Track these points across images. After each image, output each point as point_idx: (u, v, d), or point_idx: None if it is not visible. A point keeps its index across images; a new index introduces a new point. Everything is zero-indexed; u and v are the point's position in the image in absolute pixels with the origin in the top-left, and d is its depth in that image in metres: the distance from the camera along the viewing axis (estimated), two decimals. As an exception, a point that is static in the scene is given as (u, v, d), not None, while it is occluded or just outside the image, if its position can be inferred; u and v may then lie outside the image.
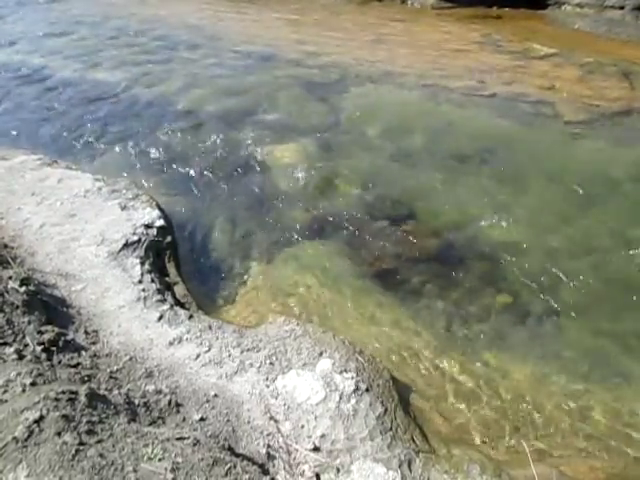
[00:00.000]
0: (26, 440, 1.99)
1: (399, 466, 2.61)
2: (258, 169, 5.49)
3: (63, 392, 2.26)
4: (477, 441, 2.91)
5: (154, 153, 5.83)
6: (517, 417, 3.05)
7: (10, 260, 3.55)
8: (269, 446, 2.62)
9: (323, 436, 2.72)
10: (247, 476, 2.25)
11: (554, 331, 3.61)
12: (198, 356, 3.14)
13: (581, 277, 3.99)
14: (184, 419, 2.63)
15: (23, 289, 3.17)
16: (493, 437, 2.94)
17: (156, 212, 4.48)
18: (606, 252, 4.21)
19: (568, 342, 3.53)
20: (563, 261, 4.14)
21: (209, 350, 3.19)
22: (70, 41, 9.62)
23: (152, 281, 3.76)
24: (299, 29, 10.24)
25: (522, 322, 3.69)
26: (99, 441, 2.09)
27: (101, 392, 2.50)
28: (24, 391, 2.28)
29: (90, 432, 2.12)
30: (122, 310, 3.45)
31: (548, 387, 3.23)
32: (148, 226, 4.26)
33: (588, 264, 4.11)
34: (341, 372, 3.04)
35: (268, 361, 3.14)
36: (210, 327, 3.39)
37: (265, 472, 2.45)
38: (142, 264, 3.88)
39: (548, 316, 3.72)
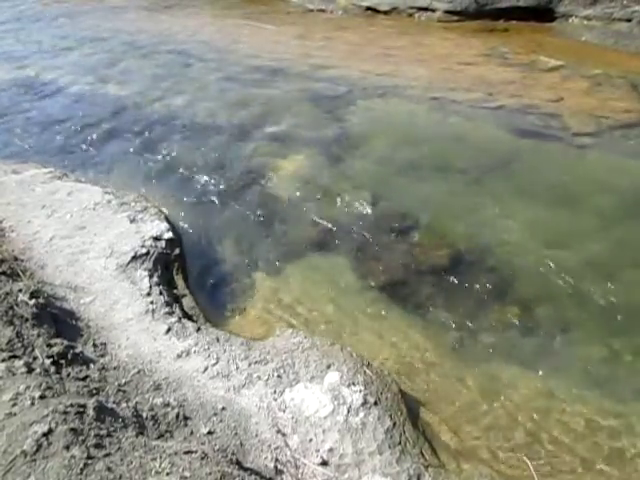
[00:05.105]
0: (35, 453, 2.00)
1: (408, 481, 2.59)
2: (266, 181, 5.52)
3: (72, 405, 2.27)
4: (487, 455, 2.88)
5: (163, 166, 5.87)
6: (527, 431, 3.01)
7: (20, 273, 3.58)
8: (277, 460, 2.61)
9: (331, 450, 2.70)
10: (255, 490, 2.24)
11: (564, 345, 3.58)
12: (206, 369, 3.14)
13: (592, 291, 3.95)
14: (192, 432, 2.63)
15: (33, 302, 3.19)
16: (503, 451, 2.91)
17: (164, 224, 4.51)
18: (616, 266, 4.17)
19: (578, 356, 3.49)
20: (573, 275, 4.10)
21: (217, 363, 3.19)
22: (80, 56, 9.73)
23: (160, 293, 3.77)
24: (306, 43, 10.30)
25: (532, 335, 3.66)
26: (107, 455, 2.09)
27: (109, 405, 2.51)
28: (33, 404, 2.28)
29: (98, 446, 2.12)
30: (130, 323, 3.46)
31: (558, 401, 3.19)
32: (157, 239, 4.28)
33: (599, 278, 4.07)
34: (349, 385, 3.02)
35: (276, 374, 3.13)
36: (218, 340, 3.39)
37: (273, 486, 2.44)
38: (150, 276, 3.89)
39: (558, 330, 3.68)
